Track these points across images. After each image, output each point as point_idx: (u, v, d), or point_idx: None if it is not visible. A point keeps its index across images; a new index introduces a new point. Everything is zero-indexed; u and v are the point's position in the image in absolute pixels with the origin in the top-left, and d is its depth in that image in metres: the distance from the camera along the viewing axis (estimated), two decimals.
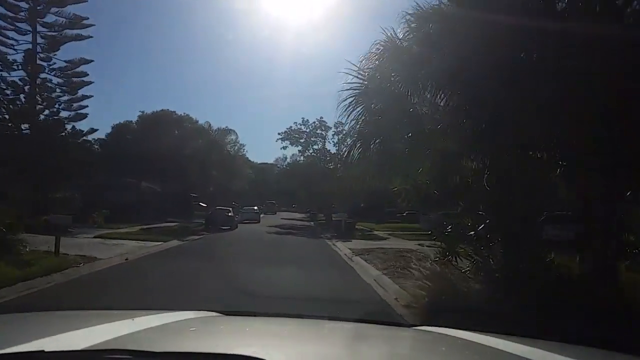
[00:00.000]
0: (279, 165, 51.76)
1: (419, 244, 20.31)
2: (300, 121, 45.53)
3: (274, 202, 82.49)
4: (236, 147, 63.25)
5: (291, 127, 45.36)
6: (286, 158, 50.94)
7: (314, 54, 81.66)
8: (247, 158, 79.83)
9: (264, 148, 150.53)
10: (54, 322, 2.25)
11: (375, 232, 32.00)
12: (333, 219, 30.91)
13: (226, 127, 47.60)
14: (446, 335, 2.21)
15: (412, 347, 2.04)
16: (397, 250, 19.05)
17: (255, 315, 3.02)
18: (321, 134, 45.34)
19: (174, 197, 57.58)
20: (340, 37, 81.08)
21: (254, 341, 1.97)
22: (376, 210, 56.98)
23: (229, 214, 31.17)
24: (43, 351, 1.34)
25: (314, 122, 45.06)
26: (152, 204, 45.01)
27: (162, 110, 46.82)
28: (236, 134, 51.53)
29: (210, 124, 44.73)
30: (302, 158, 47.17)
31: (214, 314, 2.50)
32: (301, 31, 73.59)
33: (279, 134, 45.22)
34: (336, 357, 1.75)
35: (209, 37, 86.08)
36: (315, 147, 46.01)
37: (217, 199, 78.82)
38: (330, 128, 45.74)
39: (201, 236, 24.89)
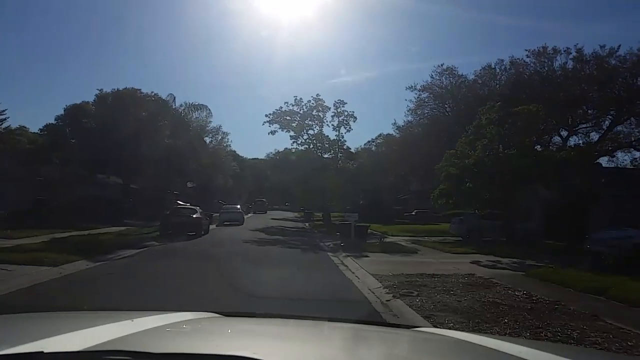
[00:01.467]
0: (269, 158, 43.02)
1: (474, 262, 14.87)
2: (292, 101, 37.15)
3: (263, 200, 74.31)
4: (219, 137, 54.78)
5: (281, 107, 37.13)
6: (278, 152, 42.16)
7: (310, 48, 74.04)
8: (234, 150, 71.86)
9: (255, 144, 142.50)
10: (54, 322, 2.22)
11: (393, 239, 23.84)
12: (345, 218, 22.32)
13: (196, 103, 38.11)
14: (445, 336, 2.27)
15: (410, 348, 2.04)
16: (461, 279, 10.83)
17: (254, 316, 2.88)
18: (318, 115, 37.07)
19: (146, 194, 49.21)
20: (338, 29, 73.08)
21: (253, 342, 1.96)
22: (380, 208, 48.96)
23: (194, 215, 22.71)
24: (42, 352, 1.33)
25: (309, 102, 36.78)
26: (114, 203, 36.81)
27: (126, 88, 38.33)
28: (208, 109, 41.43)
29: (174, 97, 35.70)
30: (294, 146, 38.77)
31: (213, 314, 2.45)
32: (297, 24, 65.32)
33: (266, 115, 36.94)
34: (335, 358, 1.73)
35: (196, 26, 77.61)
36: (311, 132, 37.74)
37: (204, 197, 70.73)
38: (329, 109, 37.50)
39: (140, 250, 16.43)
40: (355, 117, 37.59)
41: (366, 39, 77.41)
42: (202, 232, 22.95)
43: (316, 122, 37.73)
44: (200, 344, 1.76)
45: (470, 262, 14.67)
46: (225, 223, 35.37)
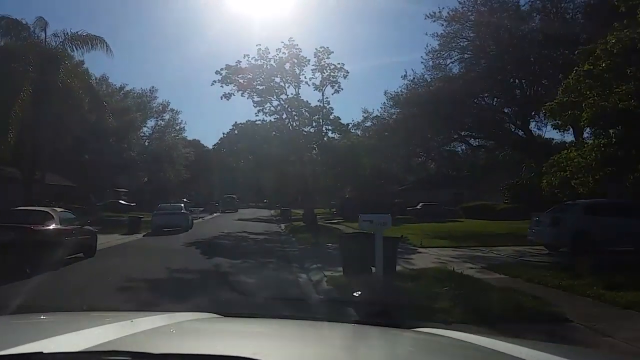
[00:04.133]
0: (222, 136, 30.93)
1: None
2: (254, 53, 25.62)
3: (233, 196, 62.72)
4: (166, 117, 42.80)
5: (239, 62, 25.70)
6: (237, 125, 29.68)
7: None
8: (197, 139, 60.04)
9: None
10: (53, 323, 2.22)
11: (436, 257, 12.94)
12: (360, 224, 9.96)
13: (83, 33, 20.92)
14: (445, 337, 2.17)
15: (410, 349, 2.02)
16: None
17: (254, 317, 2.76)
18: (292, 71, 25.71)
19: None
20: None
21: (253, 342, 1.92)
22: (376, 202, 38.09)
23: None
24: (42, 352, 1.29)
25: (279, 52, 25.34)
26: None
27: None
28: (106, 45, 20.97)
29: (45, 24, 21.65)
30: (260, 117, 27.17)
31: (213, 315, 2.43)
32: None
33: (216, 72, 25.45)
34: (335, 359, 1.72)
35: None
36: (283, 96, 26.40)
37: (160, 193, 58.67)
38: (308, 62, 26.07)
39: None
40: (347, 72, 26.27)
41: None
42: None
43: (290, 80, 26.27)
44: (200, 344, 1.74)
45: None
46: (163, 230, 23.88)
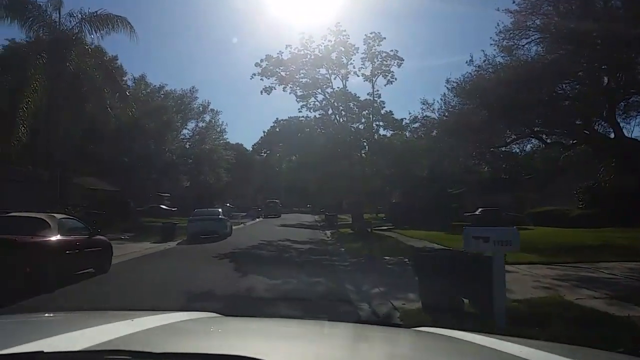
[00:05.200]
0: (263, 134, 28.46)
1: None
2: (297, 43, 23.19)
3: (276, 201, 60.88)
4: (207, 118, 41.11)
5: (280, 52, 23.34)
6: (278, 122, 27.15)
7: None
8: (240, 143, 58.60)
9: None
10: (54, 322, 2.24)
11: (516, 270, 10.02)
12: (479, 241, 7.15)
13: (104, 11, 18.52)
14: (446, 336, 2.19)
15: (411, 349, 2.02)
16: None
17: (254, 316, 2.94)
18: (339, 60, 23.09)
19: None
20: None
21: (253, 342, 1.92)
22: (430, 207, 34.92)
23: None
24: (42, 352, 1.30)
25: (325, 39, 22.75)
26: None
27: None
28: (129, 25, 18.35)
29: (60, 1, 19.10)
30: (304, 112, 24.60)
31: (214, 315, 2.45)
32: None
33: (256, 64, 23.19)
34: (335, 358, 1.72)
35: None
36: (329, 90, 23.82)
37: (202, 198, 57.38)
38: (357, 50, 23.34)
39: None
40: (401, 60, 23.32)
41: None
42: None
43: (337, 71, 23.59)
44: (201, 344, 1.75)
45: None
46: (201, 237, 21.78)
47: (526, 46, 20.29)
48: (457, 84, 20.82)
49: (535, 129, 22.74)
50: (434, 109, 20.40)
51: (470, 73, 21.43)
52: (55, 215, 9.72)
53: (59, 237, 9.21)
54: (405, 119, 24.12)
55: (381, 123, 24.16)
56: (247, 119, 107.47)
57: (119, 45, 54.98)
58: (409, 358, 1.87)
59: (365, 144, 23.56)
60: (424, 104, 20.02)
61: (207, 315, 2.38)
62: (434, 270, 6.79)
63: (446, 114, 21.75)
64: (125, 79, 23.58)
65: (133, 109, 19.41)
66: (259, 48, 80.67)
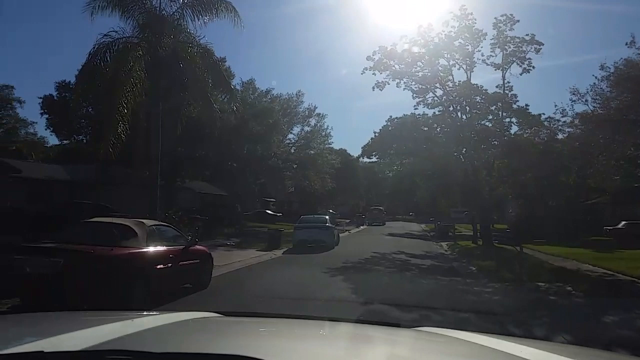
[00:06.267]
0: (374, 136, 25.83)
1: None
2: (413, 33, 20.69)
3: (380, 208, 59.05)
4: (312, 122, 39.95)
5: (395, 44, 20.97)
6: (391, 120, 24.44)
7: None
8: (342, 149, 57.24)
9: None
10: (54, 322, 2.19)
11: None
12: None
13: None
14: (446, 335, 2.20)
15: (412, 348, 1.95)
16: None
17: (254, 316, 2.92)
18: (463, 48, 20.10)
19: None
20: None
21: (254, 342, 1.90)
22: (556, 219, 30.41)
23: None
24: (42, 352, 1.30)
25: (447, 25, 19.96)
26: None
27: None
28: (233, 8, 16.30)
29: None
30: (421, 109, 21.93)
31: (214, 314, 2.40)
32: None
33: (367, 58, 21.00)
34: (336, 358, 1.69)
35: None
36: (450, 83, 20.90)
37: (306, 204, 56.83)
38: (485, 36, 20.21)
39: None
40: (539, 45, 19.74)
41: None
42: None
43: (461, 61, 20.66)
44: (201, 344, 1.71)
45: None
46: (308, 245, 20.12)
47: None
48: (616, 69, 16.83)
49: None
50: (586, 100, 16.59)
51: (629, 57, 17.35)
52: (144, 221, 8.20)
53: (147, 248, 7.68)
54: (544, 113, 20.44)
55: (514, 119, 20.71)
56: (349, 125, 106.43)
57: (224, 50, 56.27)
58: (409, 358, 1.81)
59: (495, 143, 20.28)
60: (573, 93, 16.35)
61: (207, 315, 2.33)
62: None
63: (598, 107, 17.80)
64: (232, 82, 22.62)
65: (241, 111, 18.23)
66: (363, 50, 78.99)
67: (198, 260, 9.39)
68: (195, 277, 9.26)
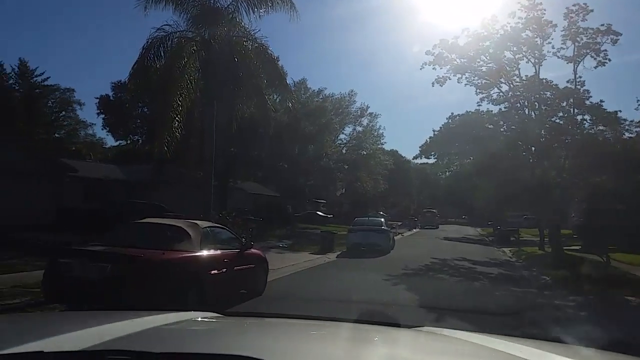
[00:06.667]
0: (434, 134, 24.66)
1: None
2: (476, 25, 19.49)
3: (434, 211, 57.34)
4: (364, 122, 39.00)
5: (456, 38, 19.78)
6: (452, 117, 22.91)
7: None
8: (394, 150, 55.93)
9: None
10: (54, 322, 2.21)
11: None
12: None
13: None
14: (446, 336, 2.20)
15: (412, 348, 1.97)
16: None
17: (254, 316, 2.89)
18: (531, 40, 18.63)
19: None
20: None
21: (254, 342, 1.89)
22: (630, 226, 27.80)
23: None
24: (42, 352, 1.30)
25: (513, 16, 18.59)
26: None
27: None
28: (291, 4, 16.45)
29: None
30: (485, 105, 20.56)
31: (214, 314, 2.40)
32: None
33: (426, 52, 19.88)
34: (336, 358, 1.67)
35: None
36: (516, 79, 19.48)
37: (357, 205, 55.85)
38: (556, 26, 18.68)
39: None
40: (617, 35, 18.02)
41: None
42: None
43: (528, 54, 19.19)
44: (201, 344, 1.72)
45: None
46: (361, 248, 19.30)
47: None
48: None
49: None
50: None
51: None
52: (198, 222, 7.67)
53: (201, 252, 7.12)
54: (620, 111, 18.65)
55: (587, 116, 18.97)
56: (400, 126, 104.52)
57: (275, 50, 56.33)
58: (409, 358, 1.81)
59: (568, 141, 18.63)
60: None
61: (207, 315, 2.32)
62: None
63: None
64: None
65: (294, 110, 17.69)
66: (416, 50, 76.97)
67: (253, 265, 8.79)
68: (250, 283, 8.66)
